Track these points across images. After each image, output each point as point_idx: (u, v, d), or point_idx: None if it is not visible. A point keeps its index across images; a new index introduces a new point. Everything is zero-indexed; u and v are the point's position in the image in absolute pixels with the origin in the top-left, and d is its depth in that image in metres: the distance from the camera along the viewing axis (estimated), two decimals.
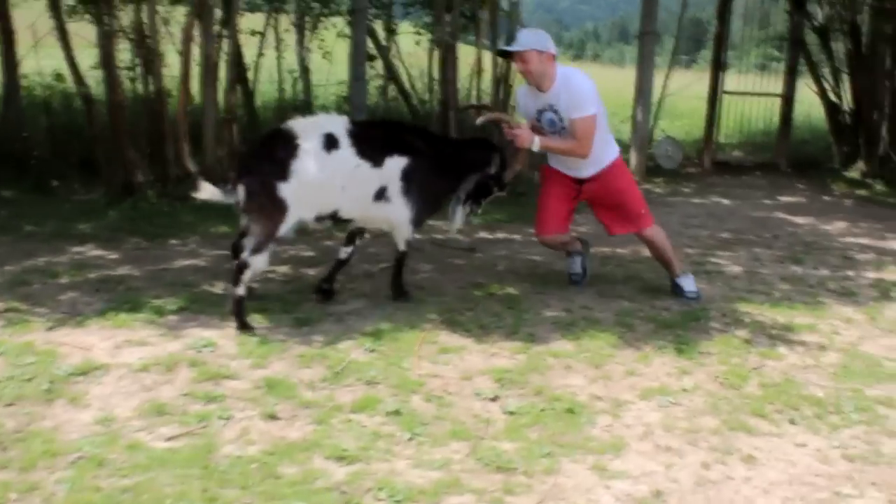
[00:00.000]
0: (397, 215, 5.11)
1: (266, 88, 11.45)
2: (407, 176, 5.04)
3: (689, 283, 5.75)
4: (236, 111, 8.42)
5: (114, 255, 6.16)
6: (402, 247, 5.30)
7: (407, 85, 10.90)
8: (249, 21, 10.80)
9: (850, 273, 6.63)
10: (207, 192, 4.71)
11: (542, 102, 5.32)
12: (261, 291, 5.31)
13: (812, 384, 4.36)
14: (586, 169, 5.53)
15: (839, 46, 12.32)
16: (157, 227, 7.01)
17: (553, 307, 5.37)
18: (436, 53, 9.79)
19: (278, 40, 10.39)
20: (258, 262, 4.69)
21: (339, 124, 4.94)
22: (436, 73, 9.82)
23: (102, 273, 5.67)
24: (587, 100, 5.18)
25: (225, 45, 8.23)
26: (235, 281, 4.67)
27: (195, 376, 4.04)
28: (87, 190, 8.17)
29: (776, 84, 12.81)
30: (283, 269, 5.97)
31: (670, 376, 4.37)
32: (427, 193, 5.18)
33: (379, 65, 11.06)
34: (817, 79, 12.36)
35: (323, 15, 11.56)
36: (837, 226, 8.68)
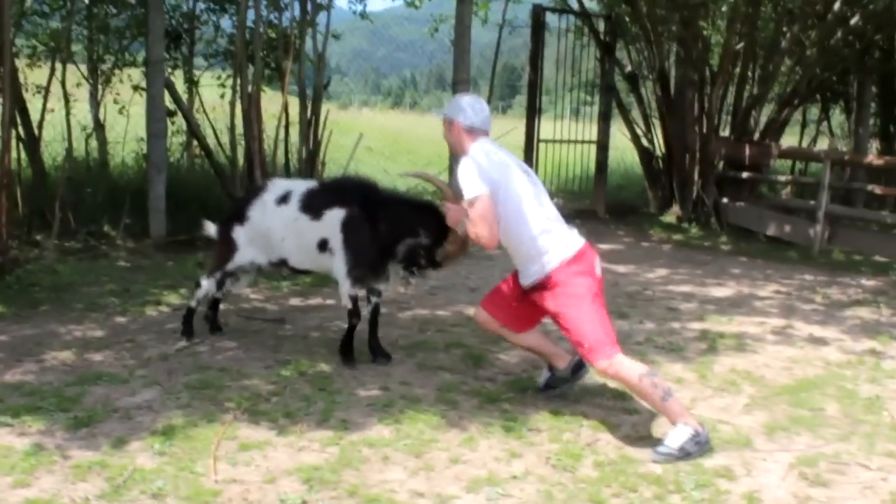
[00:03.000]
0: (337, 268, 5.19)
1: (58, 147, 10.56)
2: (345, 228, 5.12)
3: (677, 437, 4.12)
4: (11, 174, 7.58)
5: None
6: (343, 302, 5.27)
7: (212, 140, 10.26)
8: (37, 74, 9.99)
9: (676, 325, 6.52)
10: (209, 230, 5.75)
11: None
12: (35, 383, 4.65)
13: (648, 458, 4.09)
14: (525, 274, 4.46)
15: (648, 93, 12.62)
16: None
17: (368, 385, 4.92)
18: (239, 106, 9.25)
19: (66, 94, 9.58)
20: (206, 284, 5.62)
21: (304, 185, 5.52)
22: (241, 128, 9.27)
23: None
24: (468, 177, 4.25)
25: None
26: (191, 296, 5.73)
27: None
28: None
29: (590, 129, 12.95)
30: (65, 354, 5.28)
31: (499, 461, 3.99)
32: (365, 248, 5.09)
33: (181, 119, 10.42)
34: (629, 124, 12.59)
35: (117, 67, 10.80)
36: (658, 273, 8.68)
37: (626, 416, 4.62)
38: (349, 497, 3.57)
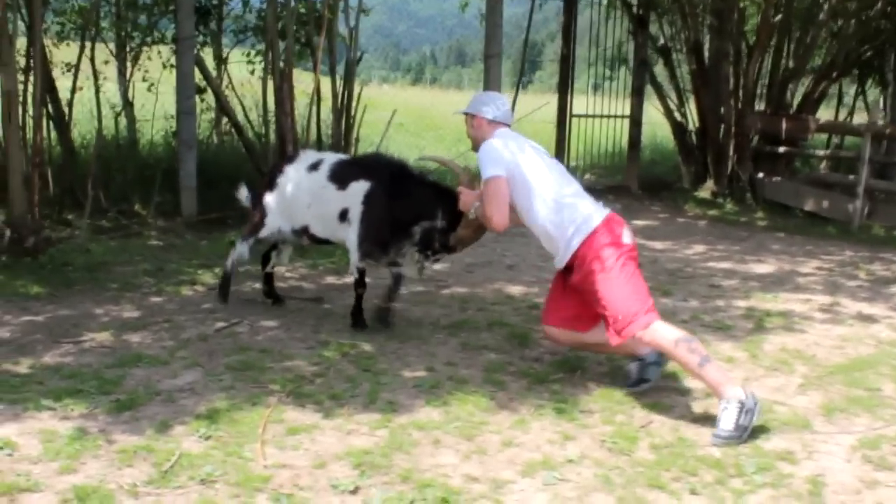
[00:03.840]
0: (350, 239, 5.29)
1: (87, 126, 10.47)
2: (367, 201, 5.20)
3: (728, 417, 3.94)
4: (43, 154, 7.51)
5: None
6: (350, 271, 5.42)
7: (241, 117, 10.15)
8: (64, 52, 9.89)
9: (721, 303, 6.38)
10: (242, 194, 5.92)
11: None
12: (74, 366, 4.57)
13: (706, 441, 3.96)
14: (556, 257, 4.43)
15: (682, 67, 12.39)
16: None
17: (413, 366, 4.81)
18: (271, 83, 9.11)
19: (95, 72, 9.48)
20: (239, 247, 5.78)
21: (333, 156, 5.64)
22: (271, 104, 9.15)
23: None
24: (484, 162, 4.38)
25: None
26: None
27: None
28: None
29: (622, 104, 12.76)
30: (103, 335, 5.20)
31: (552, 444, 3.87)
32: (379, 224, 5.19)
33: (210, 97, 10.30)
34: (662, 98, 12.38)
35: (145, 44, 10.68)
36: (696, 249, 8.52)
37: (680, 397, 4.50)
38: (402, 482, 3.46)
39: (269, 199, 5.65)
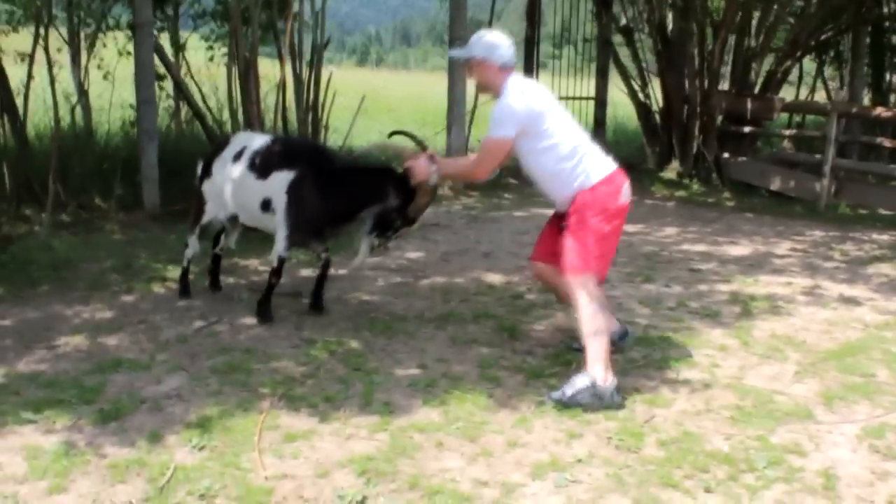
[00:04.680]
0: (277, 228, 5.20)
1: (41, 117, 10.08)
2: (291, 191, 5.09)
3: (575, 384, 4.15)
4: None
5: None
6: (271, 259, 5.29)
7: (200, 105, 9.85)
8: (15, 40, 9.53)
9: (704, 288, 6.32)
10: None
11: None
12: (51, 373, 4.36)
13: (712, 435, 3.87)
14: (559, 204, 4.46)
15: (644, 47, 12.34)
16: None
17: (405, 363, 4.67)
18: (234, 69, 8.82)
19: (49, 61, 9.12)
20: (191, 241, 5.75)
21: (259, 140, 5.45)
22: (236, 91, 8.87)
23: None
24: (498, 120, 4.27)
25: None
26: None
27: None
28: None
29: (586, 85, 12.65)
30: (77, 339, 4.97)
31: (558, 443, 3.77)
32: (309, 214, 5.12)
33: (168, 84, 10.00)
34: (626, 79, 12.31)
35: (100, 31, 10.31)
36: (669, 232, 8.48)
37: (677, 390, 4.40)
38: (410, 490, 3.33)
39: (206, 186, 5.60)
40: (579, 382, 4.13)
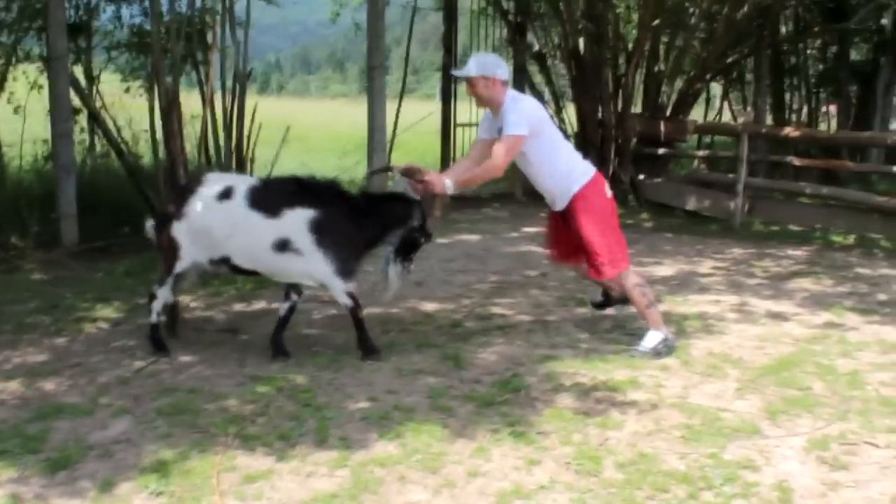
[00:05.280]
0: (315, 269, 5.13)
1: None
2: (316, 228, 5.06)
3: (651, 339, 5.36)
4: None
5: None
6: (342, 300, 5.22)
7: (116, 138, 9.61)
8: None
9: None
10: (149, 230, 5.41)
11: (497, 125, 5.25)
12: None
13: (666, 454, 3.94)
14: (556, 201, 5.39)
15: (557, 72, 12.54)
16: None
17: (355, 397, 4.62)
18: (150, 102, 8.66)
19: None
20: (162, 293, 5.34)
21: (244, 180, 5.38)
22: (156, 124, 8.70)
23: None
24: (516, 120, 5.04)
25: None
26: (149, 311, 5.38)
27: None
28: None
29: None
30: (13, 385, 4.78)
31: (518, 470, 3.77)
32: (347, 243, 5.17)
33: (82, 118, 9.76)
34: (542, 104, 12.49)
35: (9, 64, 10.00)
36: None
37: (626, 411, 4.45)
38: None
39: (179, 230, 5.21)
40: (654, 338, 5.33)
